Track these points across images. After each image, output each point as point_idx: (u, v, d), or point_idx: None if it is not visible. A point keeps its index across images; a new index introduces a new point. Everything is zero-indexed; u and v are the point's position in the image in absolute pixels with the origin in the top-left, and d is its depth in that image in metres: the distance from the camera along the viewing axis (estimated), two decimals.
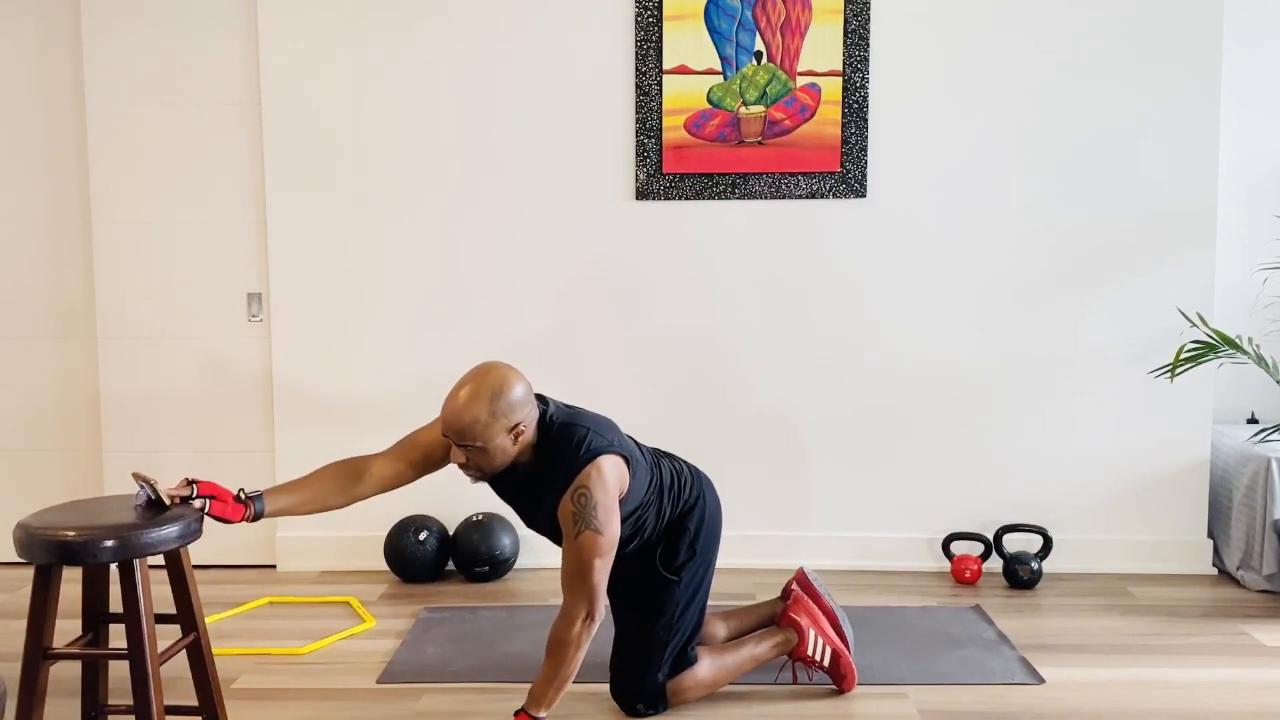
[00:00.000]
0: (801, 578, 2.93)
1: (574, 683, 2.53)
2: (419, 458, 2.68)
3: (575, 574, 2.44)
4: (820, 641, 2.77)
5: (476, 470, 2.52)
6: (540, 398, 2.58)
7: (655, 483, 2.64)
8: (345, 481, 2.65)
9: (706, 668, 2.73)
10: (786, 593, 2.93)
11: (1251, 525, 3.62)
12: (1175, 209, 3.73)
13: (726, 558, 3.78)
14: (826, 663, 2.78)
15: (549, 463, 2.50)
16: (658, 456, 2.73)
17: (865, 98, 3.71)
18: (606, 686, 2.75)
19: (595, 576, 2.42)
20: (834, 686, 2.81)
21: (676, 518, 2.69)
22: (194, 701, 2.41)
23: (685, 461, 2.82)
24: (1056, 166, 3.73)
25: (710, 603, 3.12)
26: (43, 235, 3.96)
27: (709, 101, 3.73)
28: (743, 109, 3.73)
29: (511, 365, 2.53)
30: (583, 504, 2.42)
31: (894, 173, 3.76)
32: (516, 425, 2.44)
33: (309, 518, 3.99)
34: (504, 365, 2.51)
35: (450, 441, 2.49)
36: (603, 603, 2.47)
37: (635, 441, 2.68)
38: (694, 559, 2.69)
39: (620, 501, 2.50)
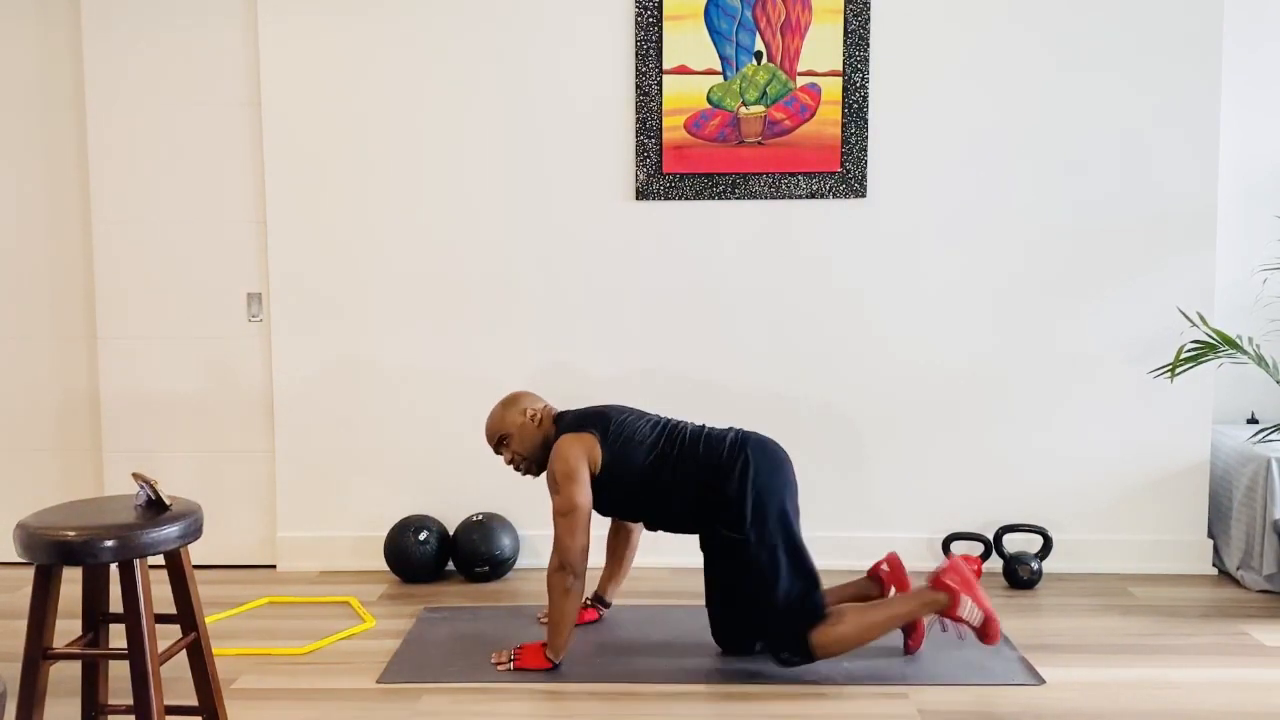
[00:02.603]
0: (893, 559, 3.12)
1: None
2: None
3: (554, 529, 2.93)
4: (971, 606, 2.89)
5: (522, 460, 3.10)
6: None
7: (654, 454, 2.97)
8: (618, 542, 3.38)
9: (850, 623, 2.88)
10: (873, 573, 3.13)
11: (1251, 525, 3.62)
12: (1175, 209, 3.73)
13: None
14: (976, 625, 2.90)
15: (554, 439, 3.01)
16: (675, 431, 3.04)
17: (865, 98, 3.71)
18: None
19: (560, 530, 2.89)
20: (832, 685, 2.81)
21: (711, 475, 2.93)
22: (194, 701, 2.41)
23: (733, 429, 3.08)
24: (1056, 167, 3.73)
25: None
26: (43, 235, 3.96)
27: (709, 101, 3.73)
28: (743, 109, 3.73)
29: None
30: (550, 475, 2.95)
31: (894, 173, 3.76)
32: (528, 409, 3.08)
33: (308, 517, 4.04)
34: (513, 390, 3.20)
35: (500, 454, 3.15)
36: (577, 557, 2.88)
37: (647, 421, 3.06)
38: (753, 517, 2.88)
39: (599, 470, 2.94)
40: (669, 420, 3.10)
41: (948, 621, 2.92)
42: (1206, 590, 3.64)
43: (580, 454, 2.93)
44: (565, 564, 2.88)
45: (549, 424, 3.08)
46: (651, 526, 3.13)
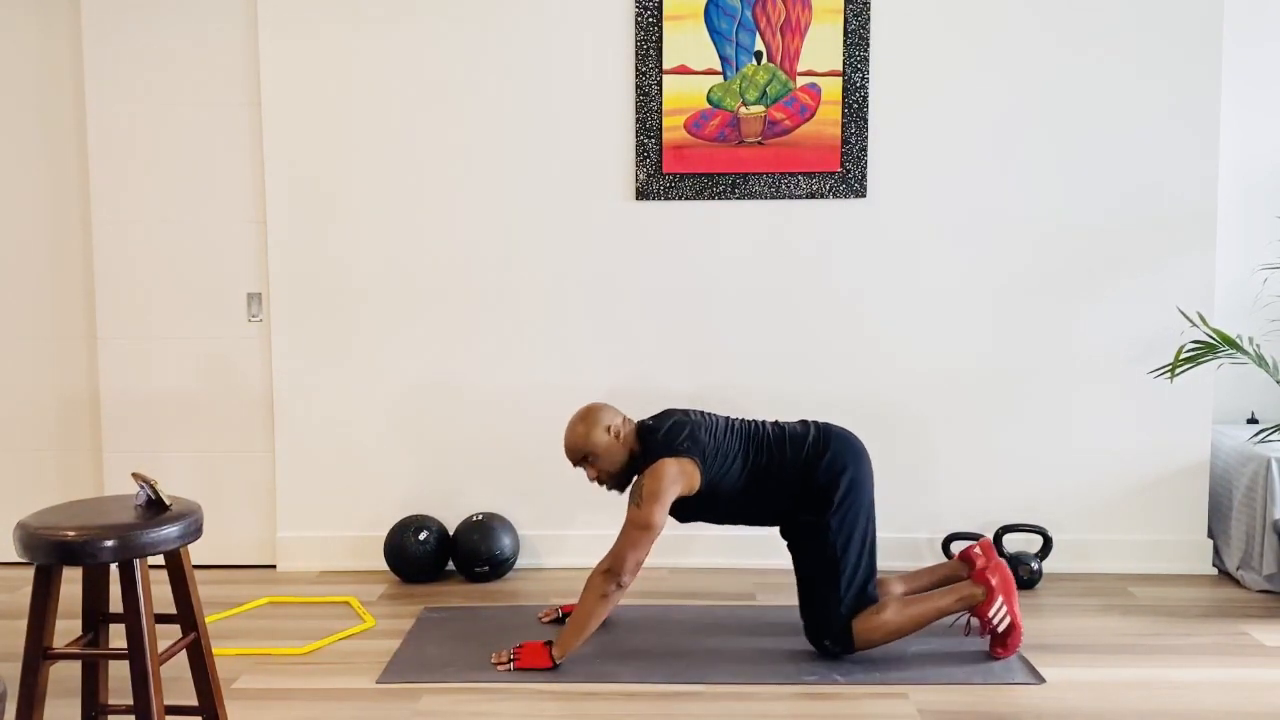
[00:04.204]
0: (987, 545, 3.11)
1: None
2: None
3: (620, 534, 2.89)
4: (1003, 608, 2.93)
5: (607, 475, 3.05)
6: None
7: (748, 469, 2.99)
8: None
9: (893, 612, 2.95)
10: (965, 558, 3.11)
11: (1251, 525, 3.62)
12: (1175, 209, 3.73)
13: (726, 558, 3.81)
14: (1000, 629, 2.93)
15: (644, 456, 2.98)
16: (758, 435, 3.06)
17: (865, 98, 3.71)
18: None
19: (626, 540, 2.86)
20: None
21: (803, 472, 2.98)
22: (194, 701, 2.41)
23: (808, 423, 3.12)
24: (1056, 167, 3.73)
25: (719, 602, 3.16)
26: (43, 235, 3.96)
27: (709, 101, 3.73)
28: (743, 109, 3.73)
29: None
30: (638, 486, 2.92)
31: (894, 173, 3.76)
32: (610, 426, 3.01)
33: (308, 517, 4.03)
34: (591, 403, 3.11)
35: (584, 470, 3.08)
36: (631, 570, 2.86)
37: (729, 429, 3.05)
38: (837, 506, 2.95)
39: (693, 495, 2.95)
40: (747, 423, 3.10)
41: (973, 621, 2.99)
42: (1206, 590, 3.64)
43: (678, 479, 2.90)
44: (616, 571, 2.86)
45: (632, 439, 3.02)
46: (737, 524, 3.14)
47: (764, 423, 3.12)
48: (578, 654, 2.99)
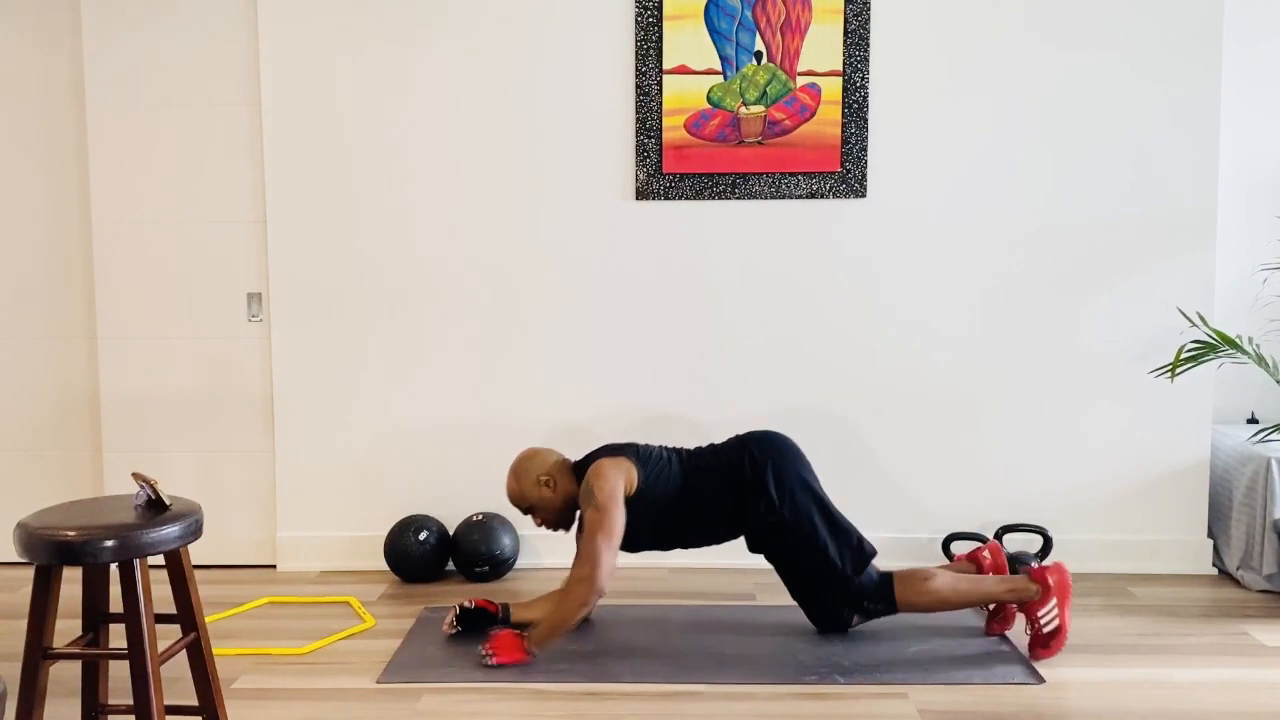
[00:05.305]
0: (996, 549, 3.18)
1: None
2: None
3: (585, 540, 2.95)
4: (1054, 610, 2.95)
5: (552, 520, 3.18)
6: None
7: (682, 477, 3.11)
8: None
9: (942, 581, 3.02)
10: (973, 557, 3.19)
11: (1251, 525, 3.62)
12: (1175, 209, 3.73)
13: (725, 558, 3.80)
14: (1046, 630, 2.95)
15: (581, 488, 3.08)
16: (685, 455, 3.20)
17: (865, 98, 3.71)
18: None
19: (600, 546, 2.90)
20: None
21: (736, 481, 3.08)
22: (194, 701, 2.41)
23: (717, 444, 3.25)
24: (1056, 167, 3.73)
25: (719, 602, 3.24)
26: (43, 235, 3.96)
27: (709, 101, 3.73)
28: (743, 109, 3.73)
29: (532, 446, 3.25)
30: (586, 490, 2.99)
31: (894, 173, 3.76)
32: (540, 477, 3.12)
33: (308, 517, 4.03)
34: (524, 450, 3.22)
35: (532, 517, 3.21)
36: (605, 575, 2.88)
37: (662, 450, 3.18)
38: (779, 496, 3.05)
39: (634, 493, 3.02)
40: (675, 448, 3.23)
41: (1020, 616, 3.05)
42: (1206, 590, 3.64)
43: (620, 475, 3.01)
44: (594, 579, 2.89)
45: (566, 482, 3.14)
46: (689, 546, 3.21)
47: (693, 448, 3.25)
48: (578, 654, 3.00)
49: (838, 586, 3.06)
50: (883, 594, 3.04)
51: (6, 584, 3.78)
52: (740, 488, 3.08)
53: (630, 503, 3.02)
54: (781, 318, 3.82)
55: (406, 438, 3.89)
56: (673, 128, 3.74)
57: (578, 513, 3.14)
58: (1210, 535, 3.83)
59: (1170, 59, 3.68)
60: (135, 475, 2.30)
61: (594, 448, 3.23)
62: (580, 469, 3.14)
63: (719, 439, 3.79)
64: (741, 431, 3.29)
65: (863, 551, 3.06)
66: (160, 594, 2.27)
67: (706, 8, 3.70)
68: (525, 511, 3.18)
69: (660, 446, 3.22)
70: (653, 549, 3.20)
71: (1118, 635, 3.20)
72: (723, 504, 3.10)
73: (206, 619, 3.29)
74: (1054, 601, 2.96)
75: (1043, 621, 2.96)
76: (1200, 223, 3.73)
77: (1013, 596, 3.01)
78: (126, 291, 3.89)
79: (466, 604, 3.18)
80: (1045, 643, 2.97)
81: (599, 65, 3.75)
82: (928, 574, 3.04)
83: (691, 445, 3.33)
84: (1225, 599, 3.54)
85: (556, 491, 3.12)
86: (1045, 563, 3.13)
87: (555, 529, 3.21)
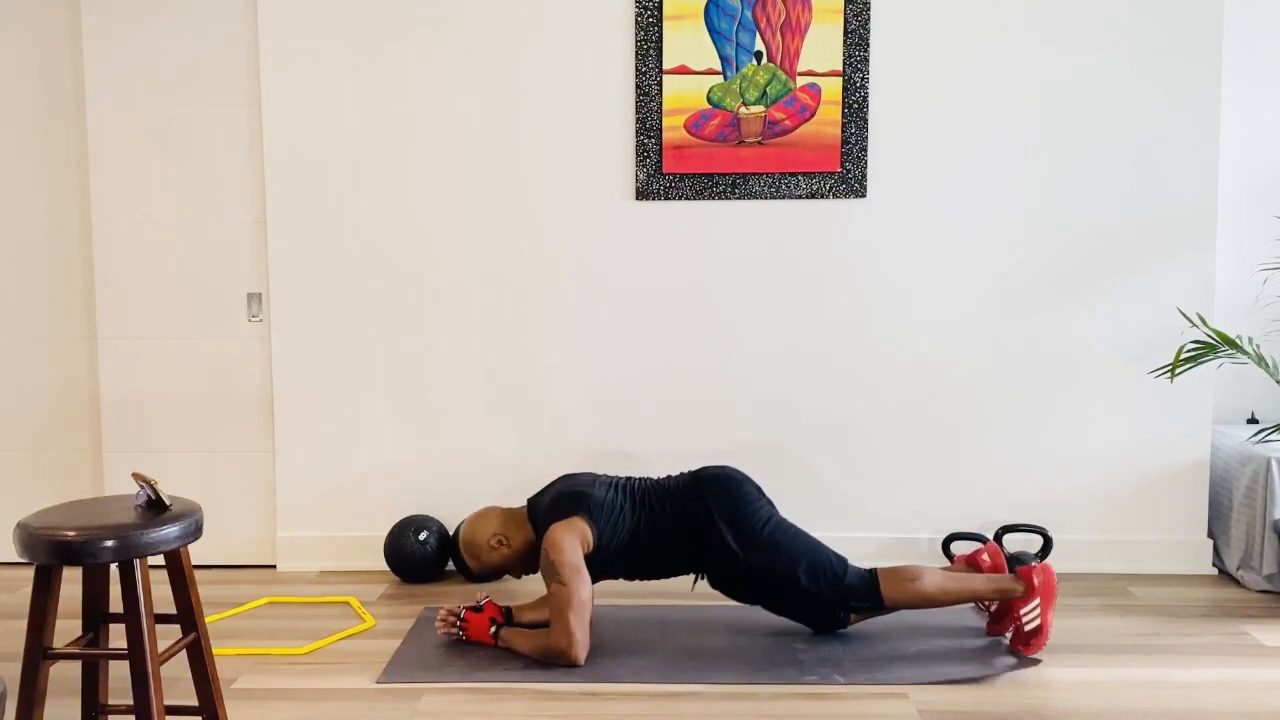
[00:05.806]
0: (995, 551, 3.17)
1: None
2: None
3: (555, 618, 2.93)
4: (1036, 610, 2.96)
5: (519, 570, 3.23)
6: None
7: (634, 521, 3.09)
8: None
9: (929, 580, 3.01)
10: (971, 559, 3.18)
11: (1251, 525, 3.62)
12: (1175, 209, 3.73)
13: None
14: (1027, 628, 2.97)
15: (538, 534, 3.11)
16: (635, 491, 3.16)
17: (865, 98, 3.71)
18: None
19: (569, 623, 2.89)
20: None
21: (690, 529, 3.06)
22: (194, 701, 2.41)
23: (684, 473, 3.21)
24: (1057, 167, 3.73)
25: (719, 602, 3.23)
26: (43, 235, 3.96)
27: (709, 101, 3.73)
28: (743, 109, 3.73)
29: (465, 519, 3.34)
30: (547, 565, 2.95)
31: (894, 173, 3.76)
32: (491, 540, 3.17)
33: (308, 517, 4.03)
34: (461, 528, 3.26)
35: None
36: (580, 646, 2.91)
37: (611, 487, 3.15)
38: (738, 544, 3.03)
39: (591, 550, 3.01)
40: (624, 480, 3.21)
41: (1001, 612, 3.07)
42: (1206, 590, 3.64)
43: (575, 541, 2.98)
44: (570, 654, 2.91)
45: (518, 532, 3.16)
46: (649, 578, 3.20)
47: (643, 480, 3.23)
48: None
49: (821, 603, 3.06)
50: (869, 593, 3.03)
51: (6, 584, 3.78)
52: (699, 536, 3.07)
53: (587, 559, 3.01)
54: (781, 318, 3.82)
55: (407, 438, 3.89)
56: (673, 128, 3.74)
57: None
58: (1210, 535, 3.84)
59: (1170, 59, 3.68)
60: (135, 475, 2.30)
61: (551, 480, 3.26)
62: (534, 508, 3.15)
63: (719, 438, 3.81)
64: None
65: (832, 566, 3.05)
66: (160, 594, 2.28)
67: (706, 8, 3.70)
68: (496, 577, 3.27)
69: (613, 487, 3.16)
70: (619, 578, 3.20)
71: (1118, 635, 3.20)
72: (685, 551, 3.09)
73: (206, 619, 3.29)
74: (1037, 601, 2.96)
75: (1024, 619, 2.97)
76: (1200, 223, 3.73)
77: (998, 595, 3.02)
78: (126, 291, 3.89)
79: (474, 605, 3.15)
80: (1025, 641, 2.98)
81: (599, 65, 3.75)
82: (915, 574, 3.03)
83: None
84: (1225, 599, 3.54)
85: (513, 546, 3.16)
86: (1034, 563, 3.13)
87: (520, 575, 3.25)
